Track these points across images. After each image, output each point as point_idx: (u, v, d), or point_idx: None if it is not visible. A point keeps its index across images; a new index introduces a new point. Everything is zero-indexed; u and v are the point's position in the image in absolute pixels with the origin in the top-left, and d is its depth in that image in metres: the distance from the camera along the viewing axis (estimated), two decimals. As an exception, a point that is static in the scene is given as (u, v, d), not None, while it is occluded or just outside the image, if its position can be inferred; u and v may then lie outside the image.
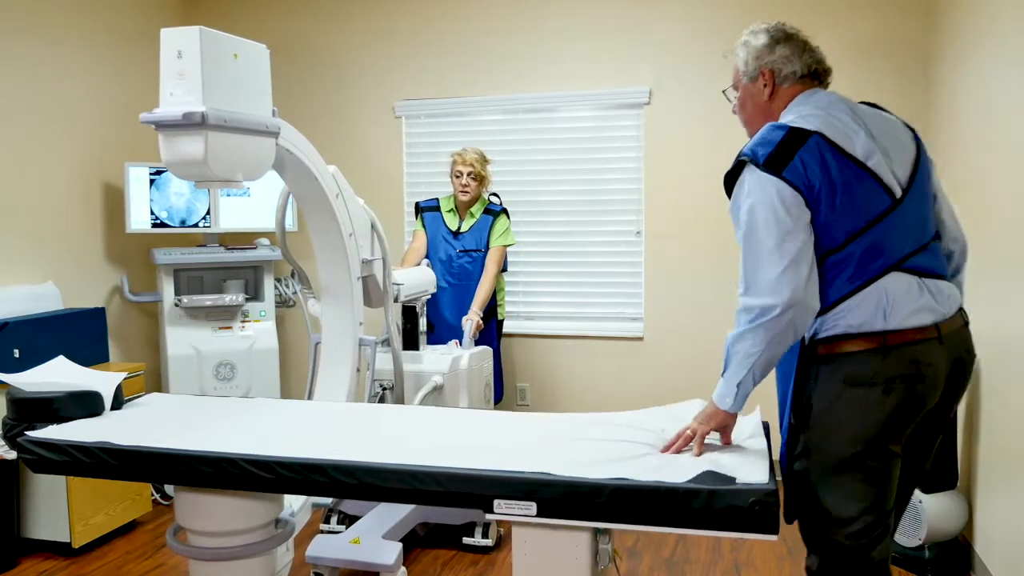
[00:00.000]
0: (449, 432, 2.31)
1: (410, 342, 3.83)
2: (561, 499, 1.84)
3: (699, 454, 2.00)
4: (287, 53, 5.10)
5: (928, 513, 3.26)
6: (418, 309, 3.86)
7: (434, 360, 3.74)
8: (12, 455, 3.32)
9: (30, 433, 2.23)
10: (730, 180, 2.01)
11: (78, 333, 3.91)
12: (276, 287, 4.88)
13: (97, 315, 4.07)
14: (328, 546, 3.13)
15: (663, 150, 4.64)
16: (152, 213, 4.51)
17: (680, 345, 4.65)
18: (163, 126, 2.33)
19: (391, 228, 4.92)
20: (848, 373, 1.91)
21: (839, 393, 1.92)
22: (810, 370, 1.97)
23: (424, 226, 4.35)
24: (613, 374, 4.78)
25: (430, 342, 4.19)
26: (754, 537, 1.78)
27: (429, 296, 3.99)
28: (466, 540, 3.58)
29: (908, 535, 3.34)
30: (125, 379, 2.60)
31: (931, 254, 2.00)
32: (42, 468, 2.20)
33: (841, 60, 4.26)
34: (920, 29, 4.20)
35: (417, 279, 3.81)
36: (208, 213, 4.60)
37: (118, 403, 2.52)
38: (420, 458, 1.98)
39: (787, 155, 1.90)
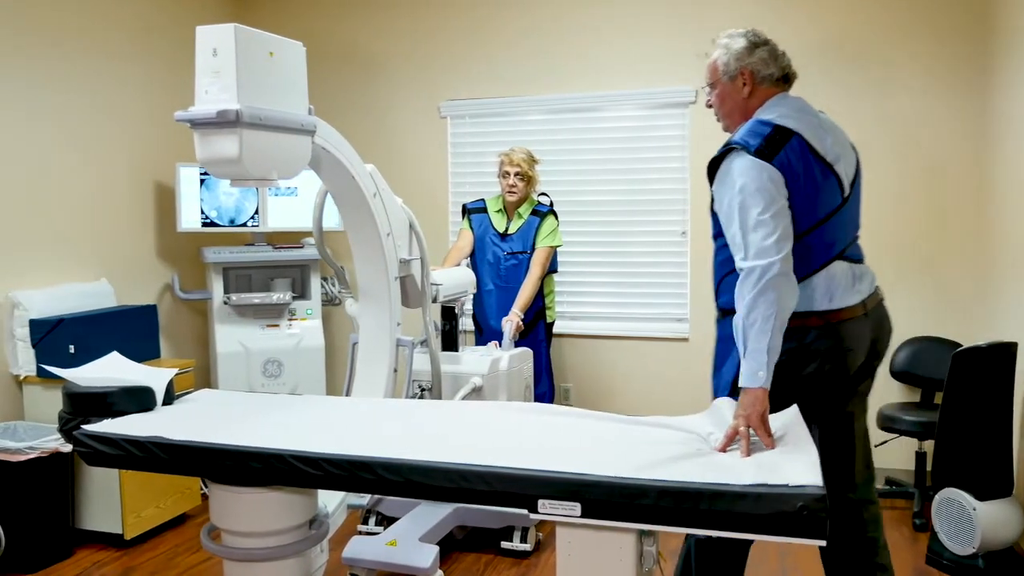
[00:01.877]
0: (493, 430, 2.31)
1: (449, 343, 3.79)
2: (606, 500, 1.83)
3: (747, 451, 2.00)
4: (334, 54, 5.16)
5: (982, 521, 3.19)
6: (457, 310, 3.83)
7: (473, 361, 3.70)
8: (68, 448, 3.41)
9: (85, 427, 2.27)
10: (714, 164, 2.28)
11: (131, 330, 3.99)
12: (322, 285, 4.93)
13: (149, 312, 4.15)
14: (364, 548, 3.12)
15: (709, 149, 4.53)
16: (202, 212, 4.58)
17: (726, 346, 4.60)
18: (198, 124, 2.31)
19: (436, 229, 4.94)
20: (797, 346, 2.21)
21: (786, 361, 2.15)
22: None
23: (472, 227, 4.33)
24: (658, 375, 4.75)
25: (479, 345, 4.18)
26: (802, 542, 1.75)
27: (468, 297, 3.95)
28: (505, 544, 3.56)
29: (961, 543, 3.27)
30: (176, 375, 2.64)
31: (857, 244, 2.37)
32: (96, 461, 2.23)
33: (893, 56, 4.22)
34: (977, 30, 4.11)
35: (456, 280, 3.76)
36: (256, 212, 4.66)
37: (169, 399, 2.56)
38: (466, 456, 1.98)
39: (775, 147, 2.17)
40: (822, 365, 2.24)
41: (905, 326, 4.34)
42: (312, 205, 3.17)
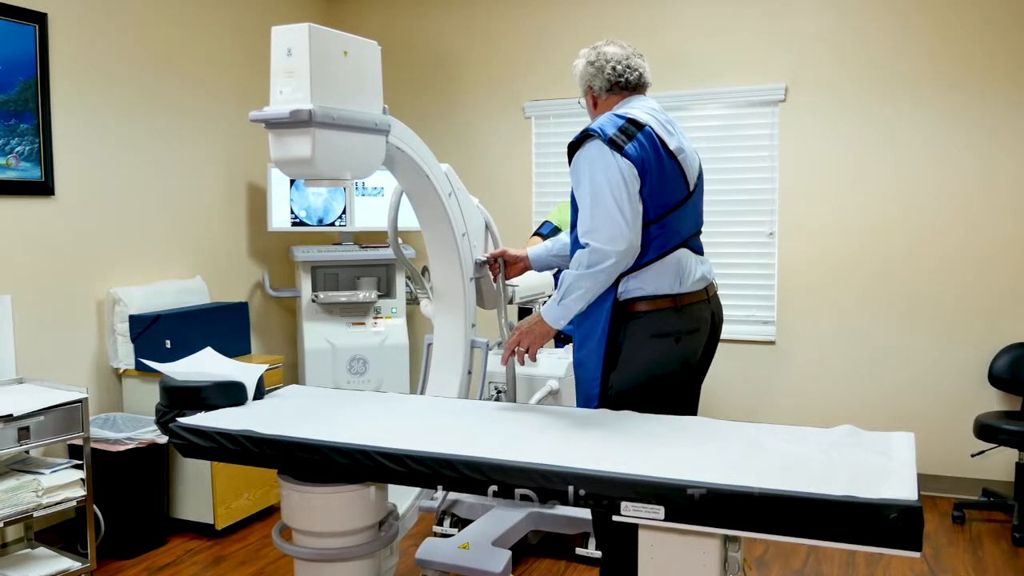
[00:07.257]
0: (575, 432, 2.30)
1: None
2: (690, 504, 1.80)
3: (519, 361, 2.57)
4: (418, 54, 5.22)
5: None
6: (535, 311, 3.77)
7: (550, 364, 3.64)
8: (163, 440, 3.54)
9: (180, 419, 2.35)
10: (573, 147, 2.49)
11: (223, 326, 4.11)
12: (407, 284, 5.00)
13: (241, 309, 4.27)
14: (437, 550, 3.10)
15: (798, 148, 4.49)
16: (292, 212, 4.70)
17: (813, 351, 4.49)
18: (272, 124, 2.31)
19: (519, 229, 4.95)
20: (652, 327, 2.47)
21: (644, 342, 2.47)
22: (622, 325, 2.48)
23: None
24: (743, 378, 4.67)
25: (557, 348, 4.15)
26: (894, 553, 1.69)
27: (546, 298, 3.90)
28: (580, 551, 3.51)
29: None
30: (266, 371, 2.70)
31: (699, 239, 2.65)
32: (190, 453, 2.30)
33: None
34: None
35: (533, 281, 3.64)
36: (344, 212, 4.75)
37: (260, 394, 2.62)
38: (547, 457, 1.98)
39: (627, 137, 2.40)
40: (675, 344, 2.50)
41: (1006, 331, 4.16)
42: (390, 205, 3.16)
